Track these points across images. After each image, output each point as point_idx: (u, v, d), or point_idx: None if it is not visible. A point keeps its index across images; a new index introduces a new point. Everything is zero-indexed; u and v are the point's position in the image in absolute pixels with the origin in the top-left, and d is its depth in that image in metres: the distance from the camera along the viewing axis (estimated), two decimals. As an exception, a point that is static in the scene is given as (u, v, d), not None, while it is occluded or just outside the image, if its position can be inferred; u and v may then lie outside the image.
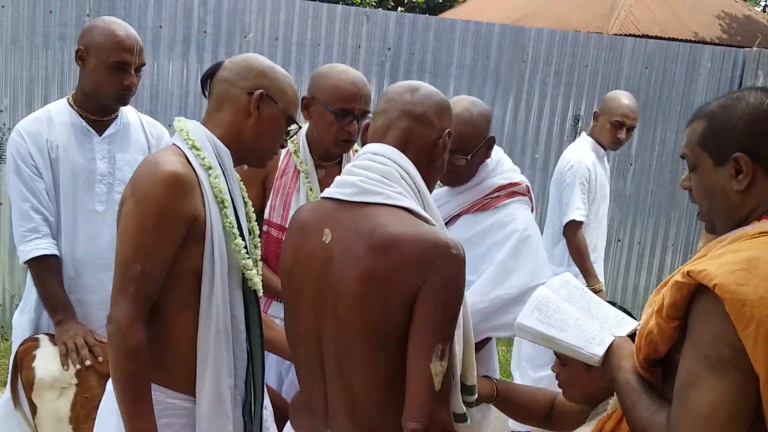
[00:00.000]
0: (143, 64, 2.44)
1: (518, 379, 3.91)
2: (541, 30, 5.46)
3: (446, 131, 1.64)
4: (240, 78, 1.77)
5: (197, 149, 1.72)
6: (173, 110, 4.72)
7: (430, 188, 1.67)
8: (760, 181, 1.33)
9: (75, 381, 2.21)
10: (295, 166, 2.47)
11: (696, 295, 1.25)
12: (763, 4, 17.20)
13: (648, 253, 5.80)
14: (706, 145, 1.38)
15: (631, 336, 1.55)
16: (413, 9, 13.31)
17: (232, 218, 1.75)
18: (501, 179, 2.27)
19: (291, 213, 2.40)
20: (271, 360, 2.39)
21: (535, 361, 3.77)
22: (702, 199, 1.43)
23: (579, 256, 3.73)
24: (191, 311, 1.71)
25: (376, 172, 1.55)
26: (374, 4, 12.12)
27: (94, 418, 1.89)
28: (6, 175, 2.46)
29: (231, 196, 1.76)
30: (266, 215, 2.46)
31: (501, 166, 2.29)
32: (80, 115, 2.45)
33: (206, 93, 1.84)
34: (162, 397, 1.72)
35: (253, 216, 1.92)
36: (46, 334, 2.38)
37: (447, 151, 1.67)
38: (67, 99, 2.49)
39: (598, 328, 1.57)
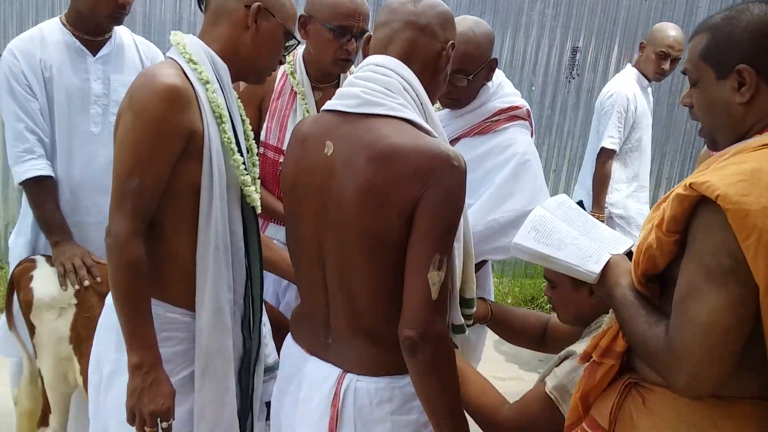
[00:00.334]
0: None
1: None
2: (541, -41, 5.34)
3: (450, 42, 1.61)
4: None
5: (194, 63, 1.69)
6: (166, 38, 4.61)
7: (433, 101, 1.65)
8: (763, 94, 1.32)
9: (74, 301, 2.22)
10: (292, 87, 2.44)
11: (698, 207, 1.24)
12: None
13: (642, 186, 5.83)
14: (709, 57, 1.36)
15: (628, 255, 1.56)
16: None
17: (231, 134, 1.73)
18: (502, 103, 2.24)
19: (287, 135, 2.39)
20: (269, 281, 2.41)
21: None
22: (704, 114, 1.42)
23: (598, 184, 3.85)
24: (190, 227, 1.70)
25: (378, 83, 1.53)
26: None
27: (95, 338, 1.90)
28: (-1, 96, 2.41)
29: (229, 112, 1.74)
30: (262, 137, 2.44)
31: (502, 90, 2.27)
32: (73, 34, 2.40)
33: (202, 7, 1.80)
34: (162, 311, 1.73)
35: (251, 134, 1.89)
36: (43, 255, 2.37)
37: (450, 63, 1.65)
38: (60, 18, 2.43)
39: (594, 246, 1.58)
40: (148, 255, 1.65)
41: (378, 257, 1.49)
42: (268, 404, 1.99)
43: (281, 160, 2.40)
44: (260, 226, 2.40)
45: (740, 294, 1.20)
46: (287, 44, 1.81)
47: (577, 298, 1.75)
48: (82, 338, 2.19)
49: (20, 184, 2.36)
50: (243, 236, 1.80)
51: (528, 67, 5.40)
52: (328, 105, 1.60)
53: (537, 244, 1.62)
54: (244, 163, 1.76)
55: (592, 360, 1.49)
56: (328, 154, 1.53)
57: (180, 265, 1.73)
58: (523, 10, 5.29)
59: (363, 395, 1.57)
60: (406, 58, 1.57)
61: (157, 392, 1.64)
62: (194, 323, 1.74)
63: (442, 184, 1.43)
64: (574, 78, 5.51)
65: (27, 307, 2.25)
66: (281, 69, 2.44)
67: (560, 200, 1.75)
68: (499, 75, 2.29)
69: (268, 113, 2.45)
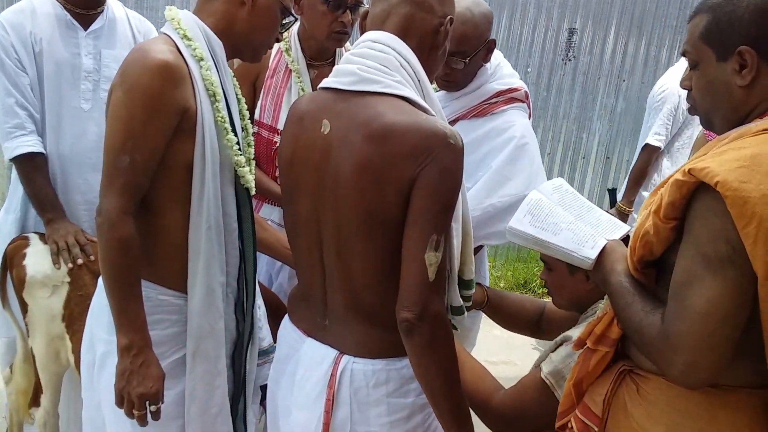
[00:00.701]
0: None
1: None
2: (538, -61, 5.30)
3: (448, 17, 1.58)
4: None
5: (189, 39, 1.66)
6: (159, 13, 4.56)
7: (431, 78, 1.62)
8: (765, 77, 1.29)
9: (68, 279, 2.20)
10: (287, 65, 2.40)
11: (696, 193, 1.22)
12: None
13: (637, 170, 5.82)
14: (710, 38, 1.33)
15: (624, 240, 1.55)
16: None
17: (224, 113, 1.70)
18: (500, 84, 2.22)
19: (282, 113, 2.36)
20: (262, 262, 2.39)
21: None
22: (703, 98, 1.39)
23: (633, 179, 3.86)
24: (183, 206, 1.67)
25: (374, 60, 1.51)
26: None
27: (88, 316, 1.89)
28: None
29: (223, 90, 1.71)
30: (257, 116, 2.41)
31: (500, 71, 2.24)
32: (64, 7, 2.35)
33: (197, -18, 1.77)
34: (153, 293, 1.71)
35: (247, 114, 1.87)
36: (36, 232, 2.35)
37: (449, 39, 1.62)
38: None
39: (590, 231, 1.57)
40: (140, 234, 1.63)
41: (375, 236, 1.47)
42: (262, 388, 1.98)
43: (275, 139, 2.37)
44: (254, 206, 2.38)
45: (738, 282, 1.18)
46: (284, 21, 1.78)
47: (572, 282, 1.74)
48: (74, 316, 2.18)
49: (11, 160, 2.32)
50: (237, 217, 1.78)
51: (524, 48, 5.36)
52: (325, 82, 1.57)
53: (532, 229, 1.61)
54: (238, 143, 1.74)
55: (586, 347, 1.48)
56: (325, 132, 1.51)
57: (172, 245, 1.71)
58: (520, -10, 5.25)
59: (359, 377, 1.56)
60: (404, 34, 1.54)
61: (147, 375, 1.62)
62: (186, 305, 1.72)
63: (438, 163, 1.41)
64: (570, 60, 5.49)
65: (20, 284, 2.23)
66: (276, 46, 2.40)
67: (557, 184, 1.73)
68: (497, 56, 2.26)
69: (262, 91, 2.41)
